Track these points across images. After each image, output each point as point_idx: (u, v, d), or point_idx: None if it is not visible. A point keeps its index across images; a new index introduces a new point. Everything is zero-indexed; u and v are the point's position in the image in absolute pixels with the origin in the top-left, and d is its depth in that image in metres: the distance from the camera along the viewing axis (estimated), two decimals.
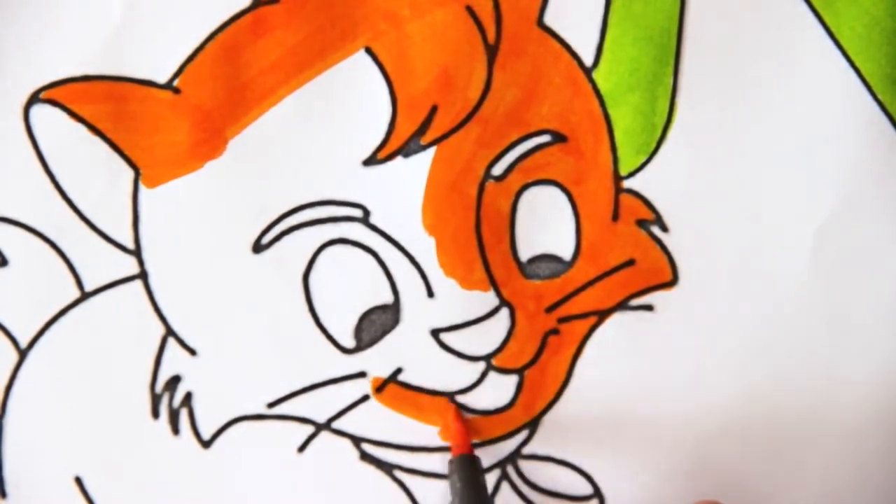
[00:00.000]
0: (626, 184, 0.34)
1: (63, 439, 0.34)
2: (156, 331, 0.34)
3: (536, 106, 0.33)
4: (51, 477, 0.34)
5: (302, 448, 0.34)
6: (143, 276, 0.33)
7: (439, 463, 0.35)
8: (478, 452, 0.34)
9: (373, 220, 0.34)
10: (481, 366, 0.34)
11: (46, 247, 0.33)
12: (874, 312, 0.34)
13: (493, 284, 0.34)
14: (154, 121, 0.33)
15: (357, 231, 0.34)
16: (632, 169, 0.34)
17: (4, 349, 0.33)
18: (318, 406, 0.34)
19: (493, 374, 0.34)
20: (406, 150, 0.33)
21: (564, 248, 0.34)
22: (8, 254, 0.33)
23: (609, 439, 0.34)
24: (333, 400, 0.34)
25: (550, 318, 0.34)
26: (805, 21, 0.33)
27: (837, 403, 0.34)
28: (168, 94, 0.33)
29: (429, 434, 0.34)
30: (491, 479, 0.35)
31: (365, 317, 0.34)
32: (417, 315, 0.34)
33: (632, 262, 0.34)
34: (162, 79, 0.33)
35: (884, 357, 0.34)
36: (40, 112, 0.32)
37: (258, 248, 0.34)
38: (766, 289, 0.34)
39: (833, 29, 0.33)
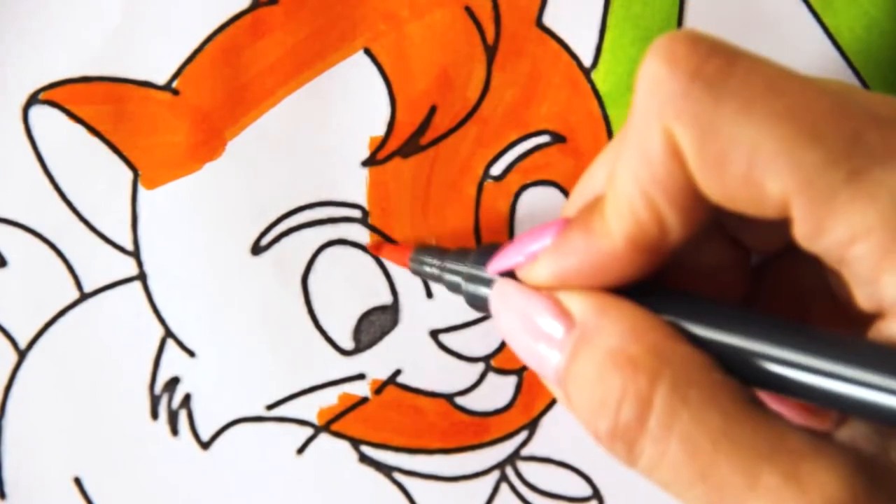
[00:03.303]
0: None
1: (62, 440, 0.34)
2: (155, 332, 0.34)
3: (535, 106, 0.33)
4: (50, 477, 0.34)
5: (301, 450, 0.34)
6: (142, 277, 0.33)
7: (439, 465, 0.34)
8: (477, 454, 0.34)
9: (372, 220, 0.33)
10: (480, 367, 0.34)
11: (46, 247, 0.33)
12: None
13: None
14: (153, 122, 0.33)
15: (356, 232, 0.34)
16: None
17: (4, 350, 0.33)
18: (317, 408, 0.34)
19: (492, 375, 0.34)
20: (405, 150, 0.33)
21: None
22: (7, 254, 0.33)
23: None
24: (332, 402, 0.34)
25: None
26: (805, 21, 0.33)
27: None
28: (167, 95, 0.33)
29: (429, 436, 0.34)
30: (490, 480, 0.34)
31: (364, 318, 0.34)
32: (416, 316, 0.34)
33: None
34: (161, 80, 0.33)
35: None
36: (39, 113, 0.33)
37: (257, 249, 0.33)
38: None
39: (832, 29, 0.33)
